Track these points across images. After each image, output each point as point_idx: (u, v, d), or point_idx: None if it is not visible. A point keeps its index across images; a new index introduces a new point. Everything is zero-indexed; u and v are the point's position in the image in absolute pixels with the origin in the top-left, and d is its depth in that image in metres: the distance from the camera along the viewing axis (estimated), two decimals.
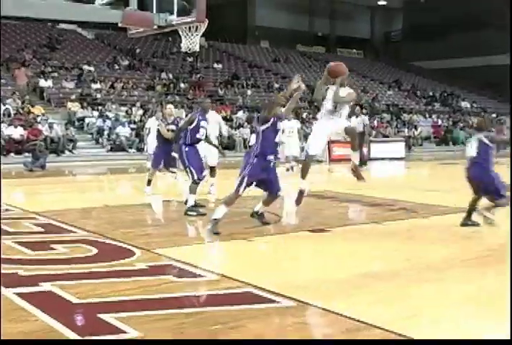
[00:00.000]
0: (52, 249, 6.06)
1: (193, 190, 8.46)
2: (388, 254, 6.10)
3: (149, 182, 10.59)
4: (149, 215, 8.98)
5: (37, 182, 13.72)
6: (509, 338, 3.71)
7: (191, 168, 8.47)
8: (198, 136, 8.68)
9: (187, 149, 8.56)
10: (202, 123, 8.73)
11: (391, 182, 14.84)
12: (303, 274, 5.36)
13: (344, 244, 6.60)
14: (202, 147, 9.21)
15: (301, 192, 7.62)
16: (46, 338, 3.70)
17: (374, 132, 26.81)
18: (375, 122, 28.59)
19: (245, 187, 7.05)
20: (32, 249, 6.02)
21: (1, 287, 4.68)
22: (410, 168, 20.03)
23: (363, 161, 16.56)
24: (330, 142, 17.03)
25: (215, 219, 7.00)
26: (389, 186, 13.10)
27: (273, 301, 4.44)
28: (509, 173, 7.90)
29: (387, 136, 27.21)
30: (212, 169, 10.73)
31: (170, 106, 10.98)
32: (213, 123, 10.52)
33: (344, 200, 10.59)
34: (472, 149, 7.29)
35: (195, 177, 8.48)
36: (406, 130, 29.45)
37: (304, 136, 16.67)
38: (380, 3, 47.83)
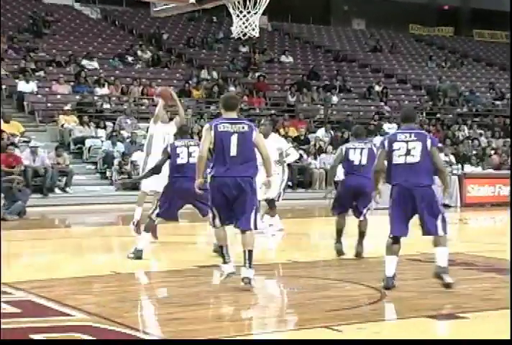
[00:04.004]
0: (31, 341, 6.07)
1: None
2: None
3: None
4: (179, 289, 8.94)
5: (12, 236, 13.92)
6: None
7: None
8: None
9: None
10: None
11: None
12: None
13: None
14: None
15: None
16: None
17: None
18: None
19: None
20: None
21: None
22: None
23: None
24: (463, 177, 16.92)
25: None
26: None
27: None
28: None
29: None
30: None
31: None
32: (273, 152, 10.83)
33: (486, 267, 10.41)
34: None
35: None
36: None
37: None
38: None
